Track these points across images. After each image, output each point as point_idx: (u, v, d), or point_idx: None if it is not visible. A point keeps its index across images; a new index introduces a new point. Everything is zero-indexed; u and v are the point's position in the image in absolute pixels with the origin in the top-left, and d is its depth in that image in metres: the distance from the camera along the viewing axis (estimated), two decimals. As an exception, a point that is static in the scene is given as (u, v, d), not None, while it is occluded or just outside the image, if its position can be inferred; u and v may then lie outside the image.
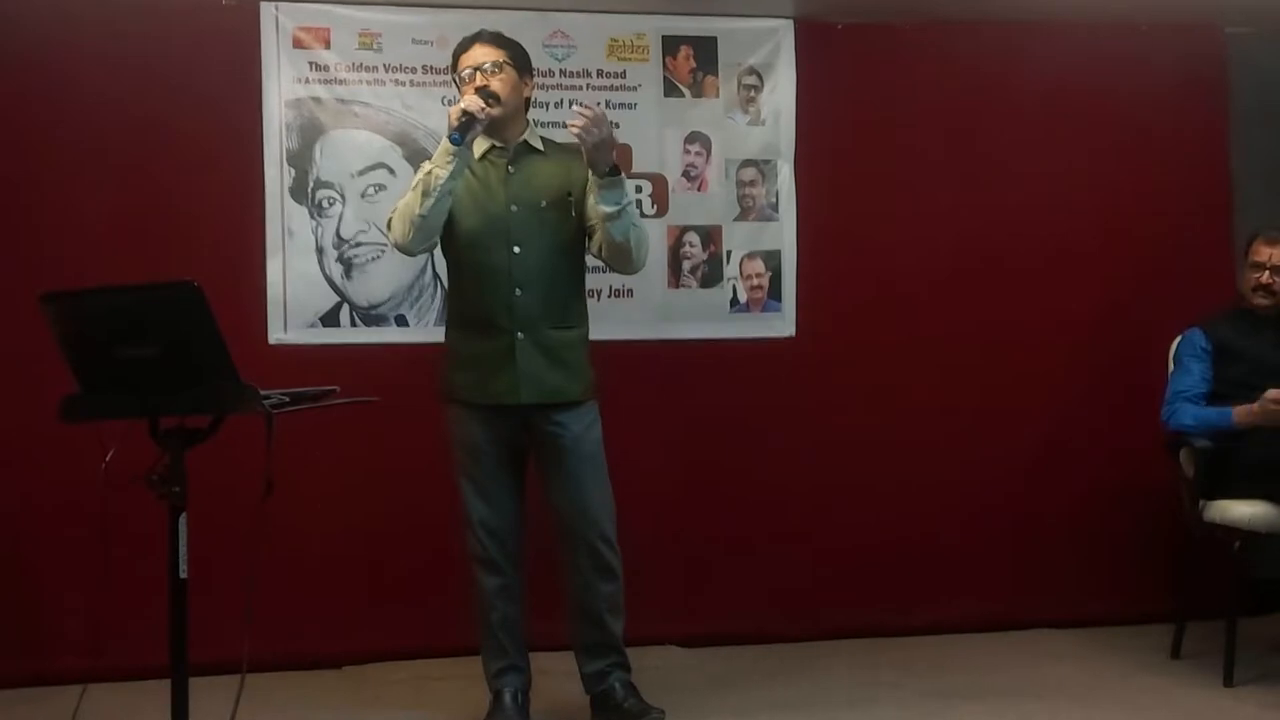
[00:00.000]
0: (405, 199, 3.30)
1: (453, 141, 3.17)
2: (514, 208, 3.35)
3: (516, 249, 3.32)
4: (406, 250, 3.38)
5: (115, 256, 3.89)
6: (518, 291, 3.31)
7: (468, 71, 3.35)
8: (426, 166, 3.38)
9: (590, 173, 3.27)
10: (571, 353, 3.40)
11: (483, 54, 3.34)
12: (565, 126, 3.21)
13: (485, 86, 3.28)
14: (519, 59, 3.40)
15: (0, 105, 3.96)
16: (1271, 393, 3.73)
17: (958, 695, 3.76)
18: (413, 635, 4.12)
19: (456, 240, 3.34)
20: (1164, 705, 3.67)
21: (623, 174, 3.30)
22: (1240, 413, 3.84)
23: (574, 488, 3.38)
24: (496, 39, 3.39)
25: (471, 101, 3.21)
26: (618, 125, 4.30)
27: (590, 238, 3.39)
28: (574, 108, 3.24)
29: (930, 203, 4.52)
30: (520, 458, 3.45)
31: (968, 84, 4.55)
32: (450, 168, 3.21)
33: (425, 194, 3.22)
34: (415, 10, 4.20)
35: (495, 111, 3.26)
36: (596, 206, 3.29)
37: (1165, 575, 4.36)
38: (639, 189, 4.31)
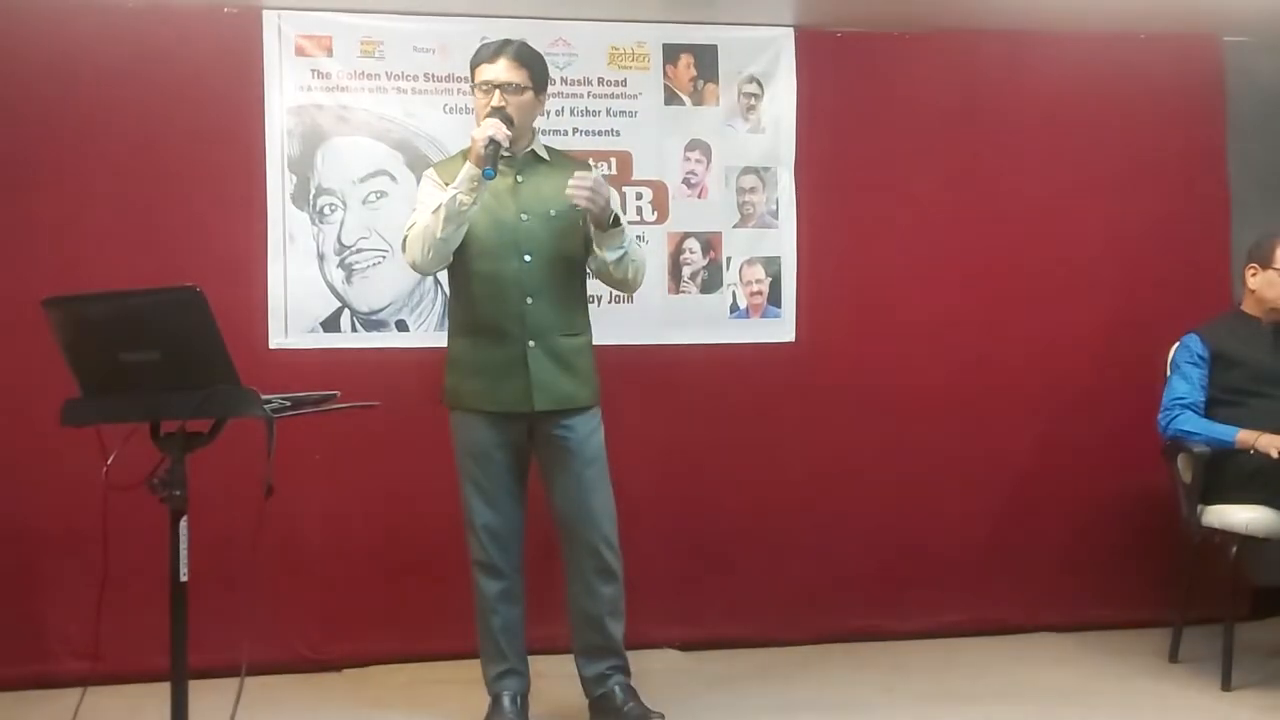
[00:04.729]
0: (423, 221, 3.29)
1: (486, 176, 3.19)
2: (524, 217, 3.37)
3: (527, 258, 3.34)
4: (422, 270, 3.44)
5: (118, 261, 3.90)
6: (529, 300, 3.34)
7: (486, 86, 3.34)
8: (432, 176, 3.42)
9: (592, 227, 3.32)
10: (580, 359, 3.43)
11: (505, 71, 3.33)
12: (568, 198, 3.23)
13: (503, 109, 3.29)
14: (539, 78, 3.40)
15: (3, 112, 3.98)
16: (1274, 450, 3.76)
17: (955, 699, 3.78)
18: (412, 638, 4.13)
19: (467, 250, 3.35)
20: (1162, 709, 3.69)
21: (623, 220, 3.34)
22: (1243, 441, 3.84)
23: (577, 491, 3.41)
24: (521, 55, 3.37)
25: (497, 129, 3.21)
26: (618, 133, 4.34)
27: (590, 255, 3.42)
28: (572, 181, 3.23)
29: (929, 210, 4.53)
30: (524, 462, 3.47)
31: (967, 93, 4.57)
32: (474, 194, 3.24)
33: (448, 218, 3.24)
34: (417, 19, 4.21)
35: (512, 134, 3.28)
36: (599, 254, 3.36)
37: (1163, 580, 4.35)
38: (639, 195, 4.33)
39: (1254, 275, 4.10)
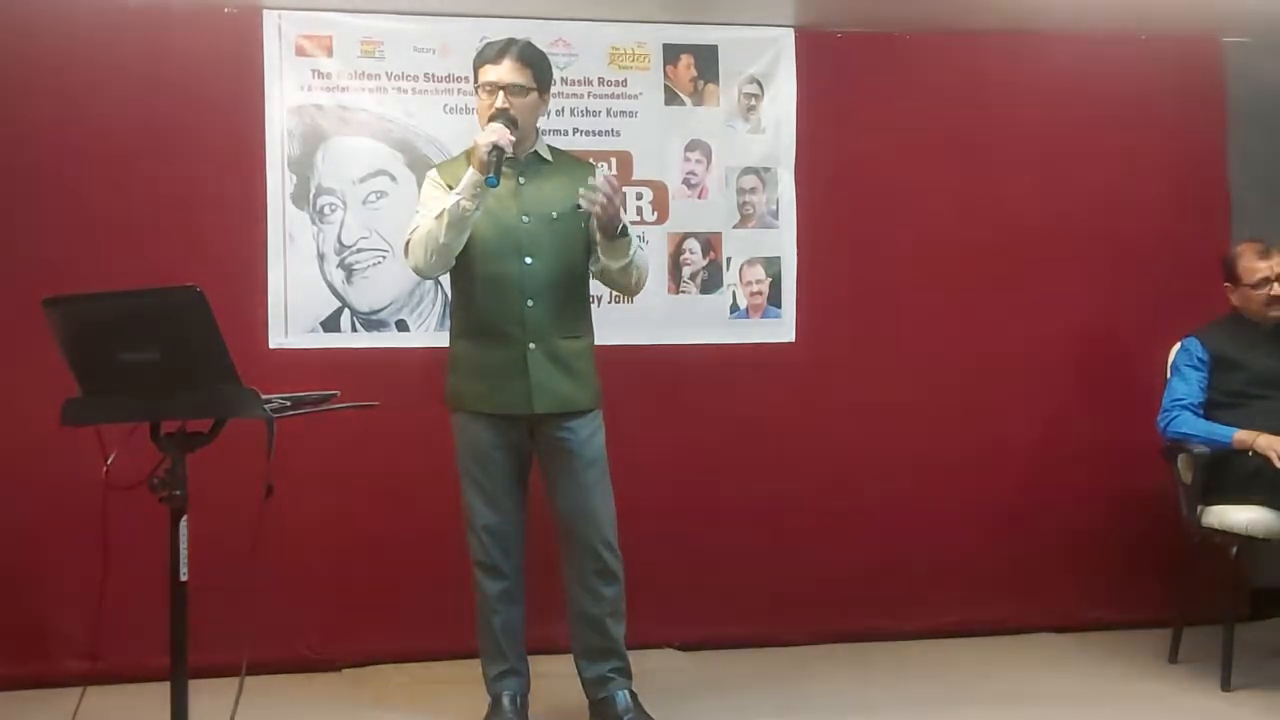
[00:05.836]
0: (426, 226, 3.28)
1: (489, 184, 3.16)
2: (525, 219, 3.36)
3: (528, 260, 3.34)
4: (425, 274, 3.44)
5: (118, 261, 3.89)
6: (529, 302, 3.33)
7: (489, 86, 3.31)
8: (435, 178, 3.41)
9: (599, 234, 3.30)
10: (581, 362, 3.42)
11: (510, 73, 3.30)
12: (579, 205, 3.23)
13: (506, 110, 3.27)
14: (543, 79, 3.38)
15: (4, 112, 3.98)
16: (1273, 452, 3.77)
17: (956, 700, 3.78)
18: (412, 638, 4.13)
19: (468, 251, 3.33)
20: (1162, 710, 3.69)
21: (629, 231, 3.33)
22: (1241, 440, 3.85)
23: (578, 492, 3.40)
24: (525, 55, 3.33)
25: (501, 135, 3.19)
26: (618, 133, 4.35)
27: (593, 256, 3.42)
28: (584, 190, 3.19)
29: (929, 210, 4.53)
30: (525, 463, 3.47)
31: (967, 93, 4.57)
32: (477, 200, 3.22)
33: (450, 224, 3.22)
34: (417, 19, 4.21)
35: (515, 137, 3.26)
36: (603, 260, 3.36)
37: (1163, 580, 4.36)
38: (639, 195, 4.33)
39: (1231, 293, 4.14)
